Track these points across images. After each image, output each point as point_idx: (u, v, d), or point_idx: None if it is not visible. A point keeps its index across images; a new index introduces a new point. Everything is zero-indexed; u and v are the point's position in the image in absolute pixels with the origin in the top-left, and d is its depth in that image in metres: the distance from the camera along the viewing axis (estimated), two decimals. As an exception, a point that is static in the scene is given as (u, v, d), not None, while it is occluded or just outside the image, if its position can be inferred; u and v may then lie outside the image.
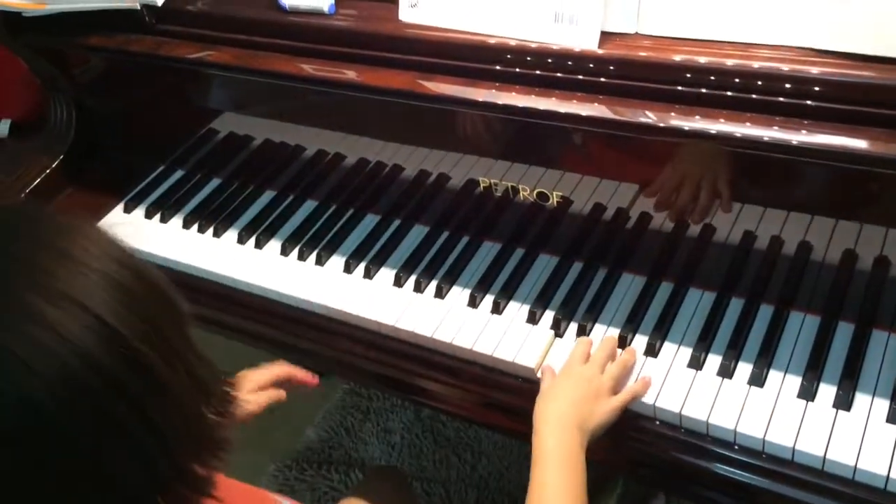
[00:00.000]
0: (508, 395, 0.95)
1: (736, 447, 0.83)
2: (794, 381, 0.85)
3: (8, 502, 0.50)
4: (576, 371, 0.87)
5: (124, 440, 0.52)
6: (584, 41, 0.85)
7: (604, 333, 0.94)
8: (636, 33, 0.85)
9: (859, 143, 0.75)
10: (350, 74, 0.98)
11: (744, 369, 0.87)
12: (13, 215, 0.57)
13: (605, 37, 0.85)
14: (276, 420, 1.79)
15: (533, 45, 0.89)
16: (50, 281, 0.51)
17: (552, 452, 0.80)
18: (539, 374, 0.91)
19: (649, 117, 0.84)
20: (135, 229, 1.21)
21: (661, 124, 0.83)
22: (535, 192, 1.00)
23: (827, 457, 0.79)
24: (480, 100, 0.91)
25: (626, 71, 0.85)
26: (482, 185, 1.03)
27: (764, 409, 0.83)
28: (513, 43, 0.89)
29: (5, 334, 0.49)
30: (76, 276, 0.52)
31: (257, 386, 1.02)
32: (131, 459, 0.53)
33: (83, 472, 0.51)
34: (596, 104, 0.86)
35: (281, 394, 1.05)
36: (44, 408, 0.48)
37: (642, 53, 0.84)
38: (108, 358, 0.51)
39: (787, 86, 0.79)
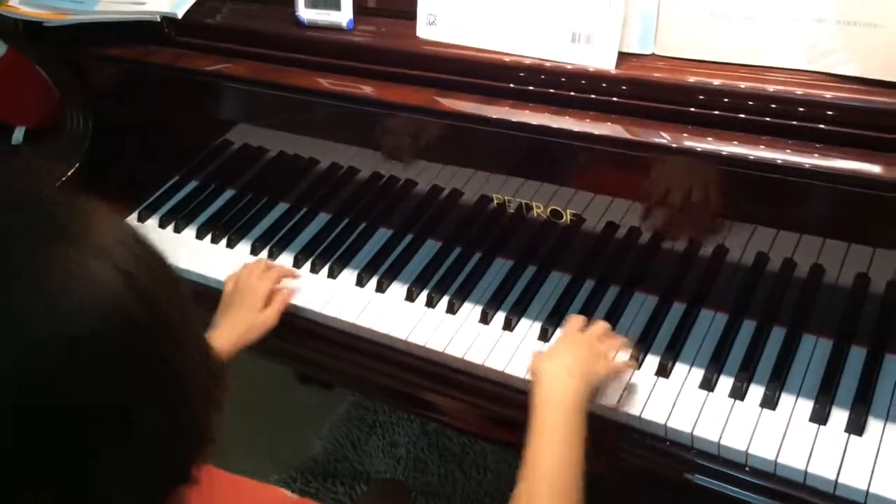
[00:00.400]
0: (518, 412, 0.95)
1: (747, 469, 0.83)
2: (807, 405, 0.85)
3: (49, 434, 0.48)
4: (575, 337, 0.90)
5: (156, 403, 0.52)
6: (601, 62, 0.86)
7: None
8: (652, 54, 0.86)
9: (872, 168, 0.76)
10: (367, 90, 0.99)
11: (756, 391, 0.87)
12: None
13: (622, 57, 0.86)
14: (282, 432, 1.80)
15: (547, 64, 0.89)
16: (82, 233, 0.51)
17: (561, 400, 0.81)
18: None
19: (662, 138, 0.84)
20: (149, 239, 1.21)
21: (674, 145, 0.83)
22: (548, 210, 1.00)
23: (839, 480, 0.78)
24: (494, 117, 0.91)
25: (640, 91, 0.85)
26: (495, 201, 1.03)
27: (776, 431, 0.83)
28: (527, 61, 0.90)
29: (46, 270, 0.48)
30: (103, 238, 0.51)
31: (264, 299, 1.04)
32: (161, 424, 0.53)
33: (118, 417, 0.51)
34: (609, 123, 0.87)
35: (287, 296, 1.07)
36: (89, 340, 0.48)
37: (656, 74, 0.84)
38: (137, 305, 0.51)
39: (800, 109, 0.79)
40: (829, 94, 0.78)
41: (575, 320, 0.94)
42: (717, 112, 0.82)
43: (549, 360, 0.87)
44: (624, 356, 0.91)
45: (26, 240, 0.50)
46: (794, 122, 0.79)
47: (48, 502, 0.49)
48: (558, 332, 0.98)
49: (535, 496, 0.77)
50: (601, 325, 0.92)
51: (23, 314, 0.47)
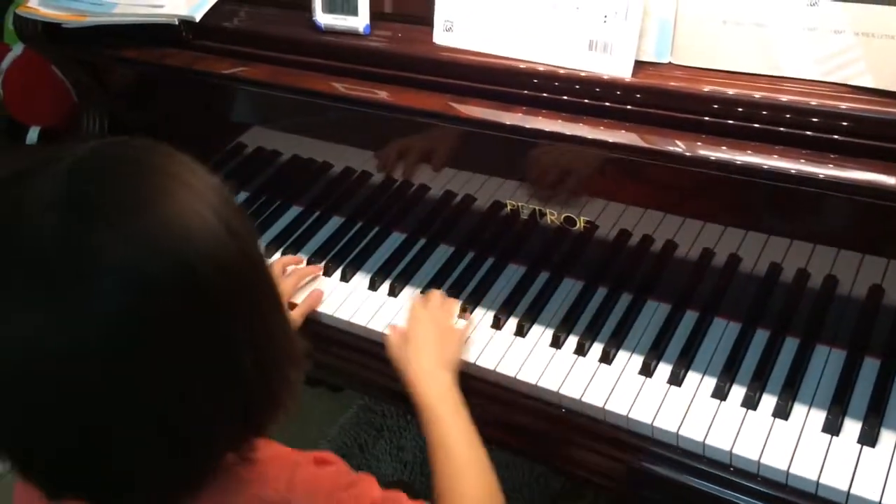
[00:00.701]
0: (529, 418, 0.95)
1: (759, 478, 0.83)
2: (819, 415, 0.85)
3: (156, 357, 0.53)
4: (423, 315, 0.97)
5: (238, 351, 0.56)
6: (618, 70, 0.86)
7: (627, 359, 0.94)
8: (669, 63, 0.86)
9: (887, 179, 0.76)
10: (382, 94, 0.99)
11: (768, 401, 0.87)
12: (132, 147, 0.60)
13: (638, 66, 0.86)
14: (291, 435, 1.80)
15: (561, 72, 0.90)
16: (181, 190, 0.56)
17: (442, 400, 0.87)
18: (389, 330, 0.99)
19: (676, 146, 0.84)
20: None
21: (688, 153, 0.84)
22: (562, 216, 1.00)
23: (851, 492, 0.78)
24: (508, 123, 0.92)
25: (654, 100, 0.86)
26: (509, 207, 1.04)
27: (788, 441, 0.83)
28: (541, 68, 0.90)
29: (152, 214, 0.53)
30: (200, 190, 0.57)
31: (287, 298, 1.06)
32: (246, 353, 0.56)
33: (215, 350, 0.55)
34: (623, 131, 0.87)
35: (315, 300, 1.08)
36: (196, 274, 0.53)
37: (672, 83, 0.85)
38: (234, 247, 0.56)
39: (815, 120, 0.79)
40: (844, 105, 0.78)
41: (416, 301, 1.00)
42: (731, 121, 0.83)
43: (414, 356, 0.93)
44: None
45: (158, 173, 0.56)
46: (809, 133, 0.80)
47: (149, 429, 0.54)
48: (570, 338, 0.98)
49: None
50: (437, 295, 1.00)
51: (159, 234, 0.53)
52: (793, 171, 0.79)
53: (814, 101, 0.79)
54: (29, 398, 0.52)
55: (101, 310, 0.50)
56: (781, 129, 0.81)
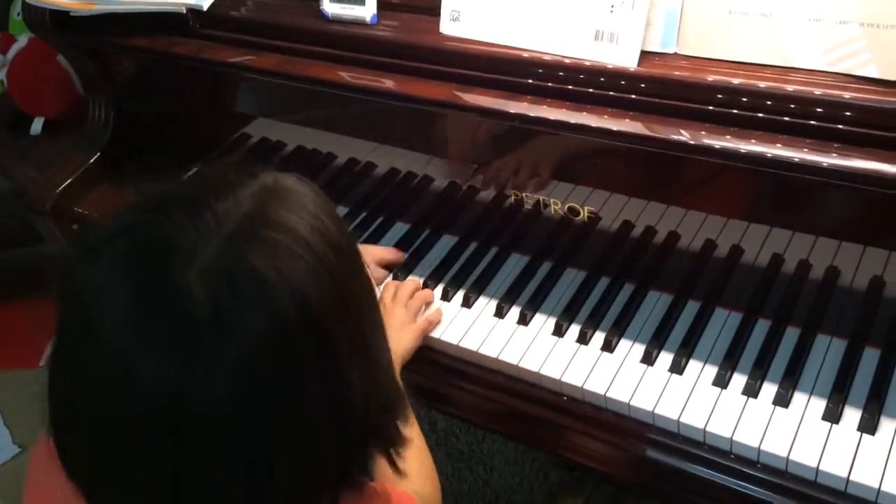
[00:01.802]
0: (531, 406, 0.96)
1: (759, 465, 0.83)
2: (820, 403, 0.86)
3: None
4: (387, 305, 0.99)
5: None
6: (624, 60, 0.87)
7: (629, 348, 0.95)
8: (675, 53, 0.87)
9: (890, 169, 0.76)
10: (389, 84, 1.00)
11: (769, 389, 0.88)
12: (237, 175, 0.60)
13: (644, 56, 0.87)
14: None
15: (567, 61, 0.90)
16: (266, 248, 0.55)
17: None
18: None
19: (681, 135, 0.85)
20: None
21: (692, 142, 0.84)
22: (565, 207, 1.01)
23: (850, 479, 0.79)
24: (514, 112, 0.92)
25: (659, 89, 0.86)
26: (513, 197, 1.04)
27: (788, 429, 0.84)
28: (546, 58, 0.91)
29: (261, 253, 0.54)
30: (288, 246, 0.56)
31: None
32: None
33: (301, 404, 0.55)
34: (627, 120, 0.88)
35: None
36: (287, 325, 0.53)
37: (676, 73, 0.85)
38: (299, 319, 0.54)
39: (819, 109, 0.80)
40: (848, 95, 0.79)
41: (389, 289, 1.02)
42: (736, 111, 0.83)
43: None
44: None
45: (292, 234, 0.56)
46: (813, 122, 0.80)
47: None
48: (573, 327, 0.99)
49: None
50: (408, 287, 1.02)
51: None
52: (796, 160, 0.79)
53: (818, 91, 0.79)
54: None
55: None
56: (786, 118, 0.81)
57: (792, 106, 0.81)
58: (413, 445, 0.84)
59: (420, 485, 0.83)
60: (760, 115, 0.82)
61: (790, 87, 0.81)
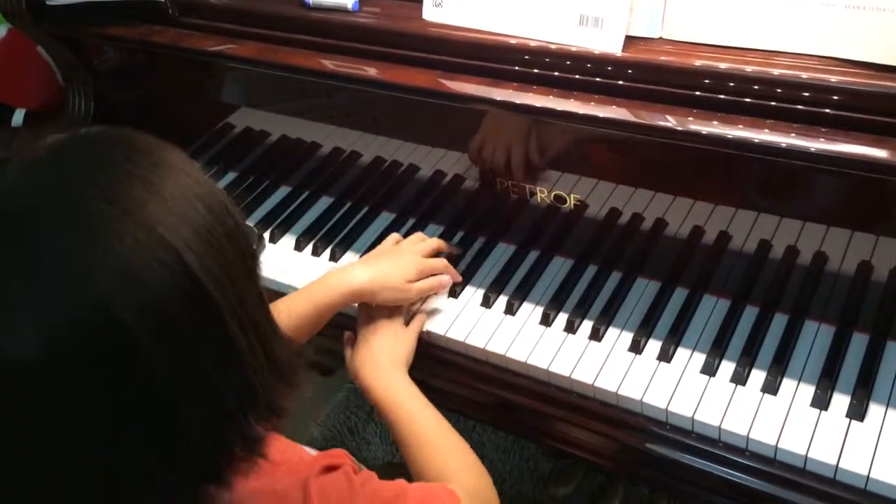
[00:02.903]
0: (519, 395, 0.95)
1: (748, 453, 0.83)
2: (808, 390, 0.85)
3: (81, 418, 0.51)
4: (375, 314, 0.96)
5: (188, 386, 0.53)
6: (609, 45, 0.85)
7: (617, 336, 0.94)
8: (660, 38, 0.85)
9: (878, 153, 0.75)
10: (372, 71, 0.98)
11: (757, 376, 0.87)
12: (115, 139, 0.57)
13: (629, 41, 0.86)
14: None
15: (553, 47, 0.89)
16: (140, 212, 0.52)
17: (399, 394, 0.88)
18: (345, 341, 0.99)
19: (667, 121, 0.84)
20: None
21: (679, 128, 0.83)
22: (552, 195, 1.00)
23: (840, 466, 0.79)
24: (499, 99, 0.91)
25: (646, 75, 0.85)
26: (499, 185, 1.03)
27: (777, 416, 0.83)
28: (532, 44, 0.90)
29: (95, 250, 0.50)
30: (161, 214, 0.52)
31: (419, 271, 0.98)
32: (193, 407, 0.54)
33: (149, 400, 0.52)
34: (614, 106, 0.86)
35: (442, 281, 1.00)
36: (126, 331, 0.50)
37: (662, 58, 0.84)
38: (181, 300, 0.51)
39: (806, 94, 0.79)
40: (834, 79, 0.78)
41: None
42: (723, 96, 0.82)
43: (373, 359, 0.92)
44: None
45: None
46: (800, 107, 0.79)
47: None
48: (560, 316, 0.98)
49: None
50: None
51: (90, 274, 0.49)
52: (784, 145, 0.79)
53: (805, 75, 0.79)
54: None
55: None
56: (772, 103, 0.80)
57: (779, 90, 0.80)
58: (458, 451, 0.85)
59: (466, 480, 0.81)
60: (747, 100, 0.81)
61: (776, 72, 0.80)
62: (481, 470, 0.85)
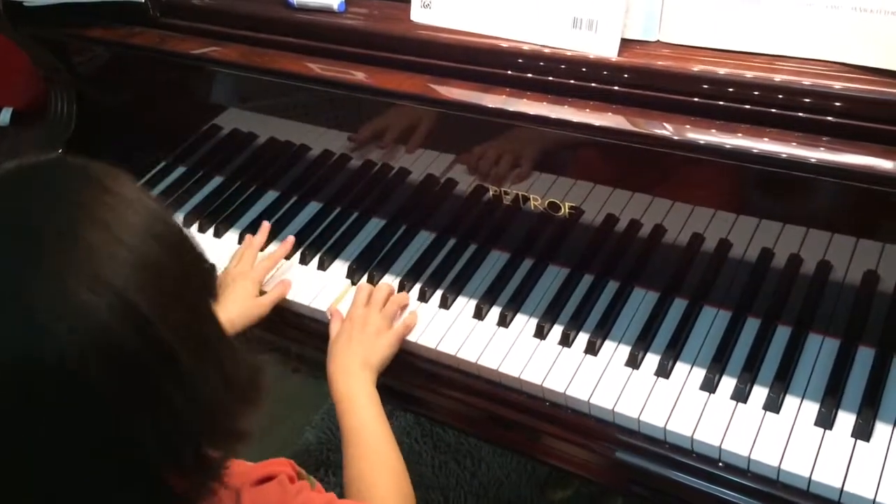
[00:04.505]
0: (512, 411, 0.92)
1: (749, 475, 0.80)
2: (812, 408, 0.82)
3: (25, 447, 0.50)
4: (357, 314, 0.96)
5: (142, 413, 0.52)
6: (603, 49, 0.82)
7: (614, 350, 0.91)
8: (657, 41, 0.82)
9: (882, 163, 0.72)
10: (359, 76, 0.95)
11: (759, 393, 0.84)
12: (58, 170, 0.55)
13: (624, 44, 0.82)
14: (274, 421, 1.77)
15: (546, 51, 0.86)
16: (83, 254, 0.50)
17: (357, 395, 0.88)
18: (329, 316, 0.99)
19: (664, 129, 0.81)
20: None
21: (676, 137, 0.80)
22: (545, 202, 0.97)
23: (845, 488, 0.76)
24: (491, 106, 0.88)
25: (642, 80, 0.82)
26: (491, 192, 1.00)
27: (779, 436, 0.80)
28: (526, 48, 0.86)
29: (41, 290, 0.49)
30: (110, 249, 0.51)
31: (258, 286, 1.04)
32: (146, 433, 0.53)
33: (96, 432, 0.51)
34: (609, 114, 0.83)
35: (284, 289, 1.04)
36: (65, 363, 0.48)
37: (659, 62, 0.81)
38: (131, 336, 0.50)
39: (808, 100, 0.76)
40: (838, 85, 0.74)
41: (361, 293, 0.98)
42: (722, 102, 0.79)
43: (339, 356, 0.93)
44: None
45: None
46: (802, 114, 0.76)
47: None
48: (555, 328, 0.95)
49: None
50: (382, 291, 0.98)
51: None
52: (784, 156, 0.76)
53: (807, 81, 0.75)
54: None
55: None
56: (773, 110, 0.77)
57: (780, 97, 0.77)
58: (388, 465, 0.83)
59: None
60: (747, 106, 0.78)
61: (778, 77, 0.76)
62: (409, 497, 0.84)
